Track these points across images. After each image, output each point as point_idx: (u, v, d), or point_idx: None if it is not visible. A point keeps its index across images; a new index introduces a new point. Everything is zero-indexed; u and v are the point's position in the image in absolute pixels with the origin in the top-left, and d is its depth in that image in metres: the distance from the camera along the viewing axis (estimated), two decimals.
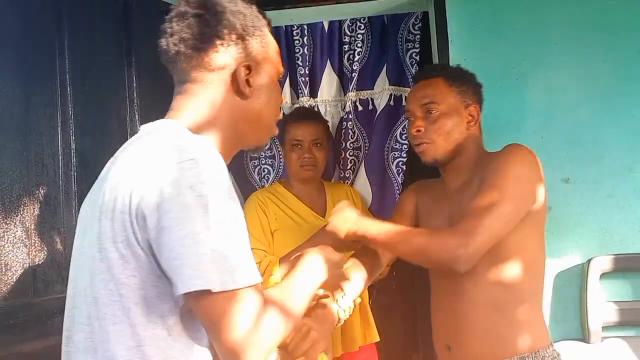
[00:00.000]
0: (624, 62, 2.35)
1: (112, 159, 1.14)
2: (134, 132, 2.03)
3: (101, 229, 1.02)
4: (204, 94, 1.14)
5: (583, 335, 2.26)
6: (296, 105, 2.73)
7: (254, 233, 2.19)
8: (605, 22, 2.40)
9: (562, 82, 2.41)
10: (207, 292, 0.93)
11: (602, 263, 2.23)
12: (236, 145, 1.20)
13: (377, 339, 2.41)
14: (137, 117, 2.22)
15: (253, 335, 0.95)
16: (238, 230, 0.98)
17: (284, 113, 2.44)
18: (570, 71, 2.39)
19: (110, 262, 1.00)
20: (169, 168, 0.96)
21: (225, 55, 1.14)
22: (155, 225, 0.95)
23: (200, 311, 0.97)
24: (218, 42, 1.13)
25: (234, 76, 1.14)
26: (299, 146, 2.33)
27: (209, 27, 1.13)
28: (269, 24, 1.22)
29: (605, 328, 2.21)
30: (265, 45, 1.19)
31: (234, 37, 1.14)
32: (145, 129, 1.14)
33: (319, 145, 2.35)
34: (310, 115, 2.45)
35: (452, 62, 2.42)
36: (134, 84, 2.23)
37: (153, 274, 0.99)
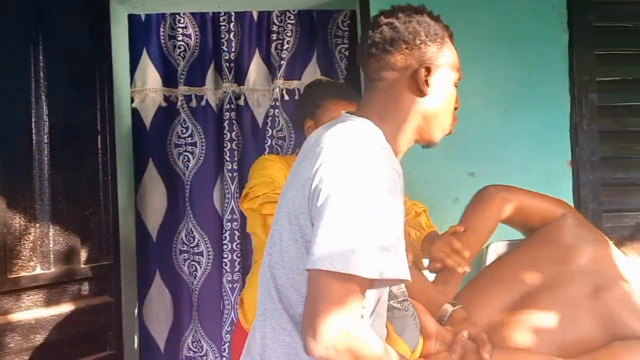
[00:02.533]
0: (526, 69, 2.81)
1: None
2: (39, 113, 2.29)
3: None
4: (390, 90, 1.40)
5: None
6: (226, 90, 2.97)
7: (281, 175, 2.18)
8: (509, 32, 2.87)
9: (471, 86, 2.81)
10: None
11: (499, 248, 2.63)
12: (412, 138, 1.43)
13: None
14: (43, 97, 2.35)
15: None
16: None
17: (318, 82, 2.55)
18: (479, 76, 2.81)
19: None
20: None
21: (409, 58, 1.39)
22: None
23: None
24: (404, 45, 1.39)
25: (416, 76, 1.39)
26: None
27: (398, 33, 1.39)
28: (451, 35, 1.49)
29: None
30: (445, 52, 1.44)
31: (417, 42, 1.39)
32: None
33: None
34: (356, 97, 2.36)
35: None
36: (41, 63, 2.36)
37: None
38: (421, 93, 1.39)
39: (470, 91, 2.82)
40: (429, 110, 1.42)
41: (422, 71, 1.38)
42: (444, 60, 1.43)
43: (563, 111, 2.89)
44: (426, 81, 1.38)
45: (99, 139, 2.62)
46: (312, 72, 3.01)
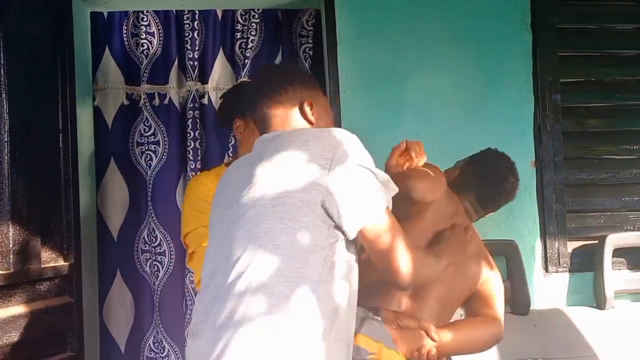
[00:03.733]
0: (490, 70, 2.93)
1: None
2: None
3: None
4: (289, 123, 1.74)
5: None
6: (190, 89, 3.04)
7: (202, 208, 2.27)
8: (474, 33, 3.00)
9: (437, 85, 2.94)
10: None
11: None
12: None
13: None
14: (3, 95, 2.39)
15: None
16: None
17: (243, 83, 2.71)
18: (443, 76, 2.94)
19: None
20: None
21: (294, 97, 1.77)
22: None
23: None
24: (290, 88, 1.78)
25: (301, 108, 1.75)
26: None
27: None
28: None
29: None
30: None
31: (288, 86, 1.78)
32: None
33: None
34: None
35: (340, 60, 2.90)
36: (1, 61, 2.39)
37: None
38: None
39: (435, 91, 2.95)
40: None
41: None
42: None
43: (527, 112, 3.02)
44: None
45: (60, 137, 2.67)
46: None
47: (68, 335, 2.62)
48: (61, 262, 2.62)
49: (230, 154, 2.99)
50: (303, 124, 1.75)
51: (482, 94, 2.96)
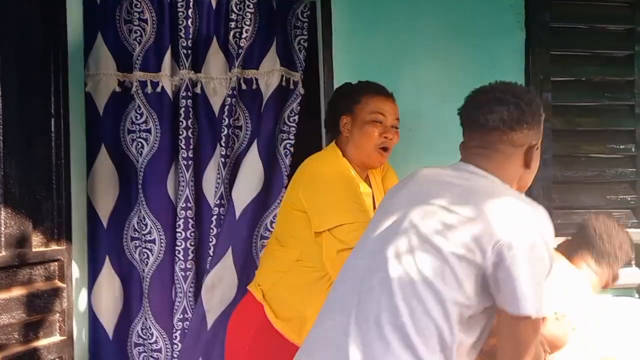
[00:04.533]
0: (482, 66, 3.03)
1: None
2: None
3: None
4: (504, 162, 1.73)
5: None
6: (183, 77, 3.06)
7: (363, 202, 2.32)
8: (467, 29, 3.12)
9: (430, 80, 3.02)
10: None
11: None
12: None
13: None
14: None
15: None
16: None
17: (349, 84, 2.66)
18: (436, 72, 3.02)
19: None
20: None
21: (527, 137, 1.72)
22: None
23: None
24: (525, 126, 1.69)
25: (527, 152, 1.73)
26: (381, 123, 2.44)
27: (523, 114, 1.70)
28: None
29: None
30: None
31: (534, 122, 1.72)
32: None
33: (396, 128, 2.49)
34: (391, 94, 2.55)
35: (335, 52, 2.98)
36: None
37: None
38: (527, 167, 1.77)
39: (428, 86, 3.04)
40: (529, 181, 1.83)
41: (534, 149, 1.76)
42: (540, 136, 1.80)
43: None
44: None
45: (52, 122, 2.72)
46: (270, 62, 3.13)
47: (58, 319, 2.67)
48: (52, 247, 2.68)
49: (222, 144, 3.04)
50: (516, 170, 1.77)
51: (470, 89, 3.02)
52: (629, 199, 3.29)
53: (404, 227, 1.62)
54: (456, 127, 2.98)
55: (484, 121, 1.74)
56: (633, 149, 3.32)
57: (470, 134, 1.82)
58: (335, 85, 2.92)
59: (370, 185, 2.57)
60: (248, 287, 2.56)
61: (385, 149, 2.46)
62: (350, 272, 1.70)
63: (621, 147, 3.32)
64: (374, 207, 2.44)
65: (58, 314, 2.68)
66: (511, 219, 1.54)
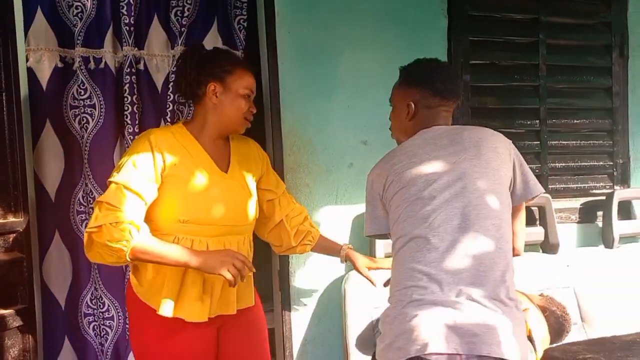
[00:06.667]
0: (410, 51, 3.33)
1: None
2: None
3: None
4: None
5: None
6: (126, 54, 3.21)
7: (144, 173, 2.39)
8: (397, 18, 3.53)
9: (364, 66, 3.37)
10: None
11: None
12: None
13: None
14: None
15: None
16: None
17: (217, 49, 2.86)
18: (370, 57, 3.41)
19: None
20: None
21: None
22: None
23: None
24: None
25: None
26: (249, 97, 2.62)
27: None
28: None
29: None
30: None
31: None
32: None
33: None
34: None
35: (277, 33, 3.24)
36: None
37: None
38: None
39: (363, 70, 3.39)
40: None
41: None
42: None
43: None
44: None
45: (3, 96, 2.82)
46: (212, 41, 3.33)
47: (19, 288, 2.81)
48: (10, 219, 2.80)
49: (168, 119, 3.23)
50: None
51: None
52: (534, 167, 3.81)
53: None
54: (387, 106, 3.36)
55: (458, 92, 2.43)
56: (537, 125, 3.88)
57: (444, 101, 2.44)
58: (279, 64, 3.20)
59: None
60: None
61: (247, 119, 2.64)
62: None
63: (527, 122, 3.89)
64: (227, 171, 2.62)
65: (19, 284, 2.82)
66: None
